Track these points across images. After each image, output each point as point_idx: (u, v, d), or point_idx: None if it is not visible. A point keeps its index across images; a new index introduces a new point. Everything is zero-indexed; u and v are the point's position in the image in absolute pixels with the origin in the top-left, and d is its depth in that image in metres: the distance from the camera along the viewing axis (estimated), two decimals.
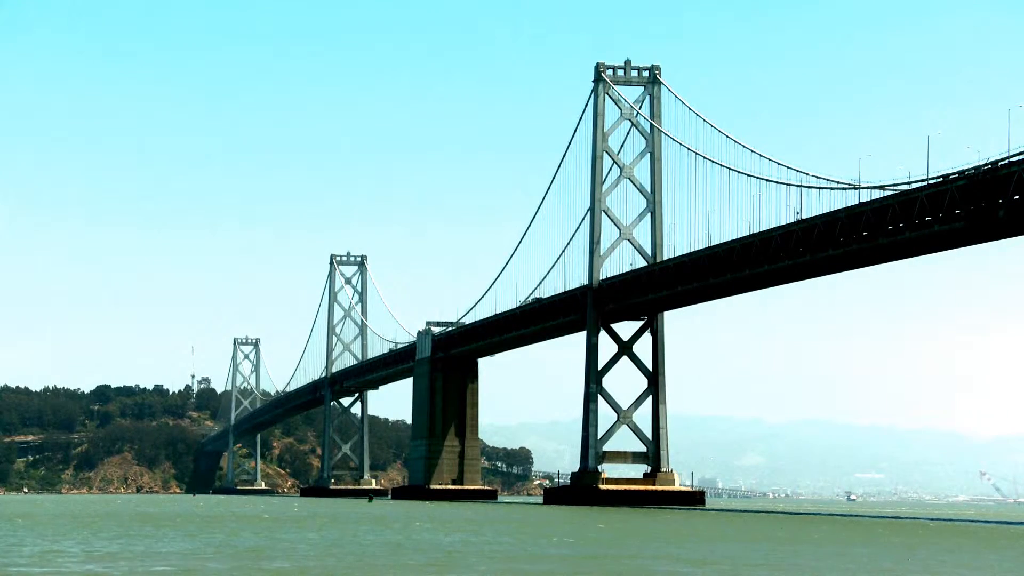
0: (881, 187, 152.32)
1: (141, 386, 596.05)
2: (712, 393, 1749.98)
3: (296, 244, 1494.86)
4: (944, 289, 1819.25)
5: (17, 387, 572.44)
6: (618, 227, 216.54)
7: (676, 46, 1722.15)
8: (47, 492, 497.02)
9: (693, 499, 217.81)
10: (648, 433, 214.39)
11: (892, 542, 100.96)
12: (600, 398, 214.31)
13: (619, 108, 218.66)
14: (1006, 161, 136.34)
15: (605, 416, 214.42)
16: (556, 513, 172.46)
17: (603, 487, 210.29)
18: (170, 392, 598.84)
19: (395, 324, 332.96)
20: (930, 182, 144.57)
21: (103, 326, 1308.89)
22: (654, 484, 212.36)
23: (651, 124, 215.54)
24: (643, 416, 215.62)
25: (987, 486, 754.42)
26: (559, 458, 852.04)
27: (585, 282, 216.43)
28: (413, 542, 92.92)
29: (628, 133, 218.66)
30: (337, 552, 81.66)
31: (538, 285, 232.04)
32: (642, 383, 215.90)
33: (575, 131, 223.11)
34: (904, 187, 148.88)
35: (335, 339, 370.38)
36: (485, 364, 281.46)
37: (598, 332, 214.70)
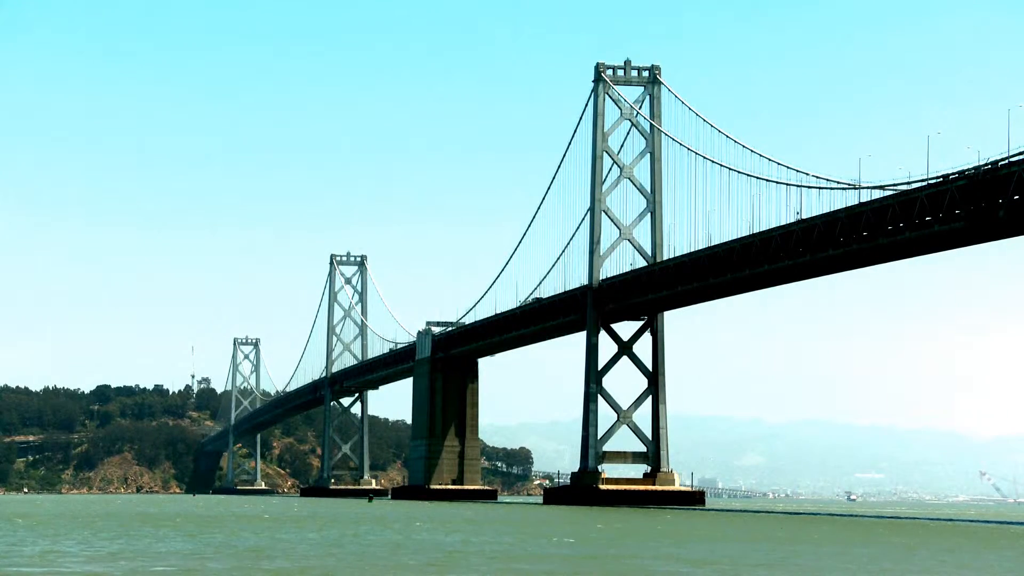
0: (881, 187, 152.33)
1: (141, 386, 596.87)
2: (712, 393, 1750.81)
3: (296, 244, 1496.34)
4: (944, 289, 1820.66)
5: (17, 387, 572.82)
6: (618, 227, 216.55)
7: (676, 46, 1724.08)
8: (47, 492, 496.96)
9: (693, 499, 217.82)
10: (648, 433, 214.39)
11: (892, 542, 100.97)
12: (600, 398, 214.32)
13: (619, 108, 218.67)
14: (1006, 161, 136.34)
15: (605, 416, 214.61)
16: (556, 513, 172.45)
17: (603, 487, 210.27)
18: (170, 392, 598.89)
19: (395, 324, 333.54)
20: (930, 182, 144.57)
21: (103, 326, 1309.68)
22: (654, 484, 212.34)
23: (651, 124, 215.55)
24: (643, 416, 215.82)
25: (987, 486, 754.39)
26: (559, 458, 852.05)
27: (585, 282, 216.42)
28: (413, 542, 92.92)
29: (628, 133, 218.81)
30: (337, 552, 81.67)
31: (538, 285, 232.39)
32: (642, 383, 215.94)
33: (575, 131, 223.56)
34: (904, 187, 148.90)
35: (335, 339, 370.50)
36: (485, 364, 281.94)
37: (598, 332, 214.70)
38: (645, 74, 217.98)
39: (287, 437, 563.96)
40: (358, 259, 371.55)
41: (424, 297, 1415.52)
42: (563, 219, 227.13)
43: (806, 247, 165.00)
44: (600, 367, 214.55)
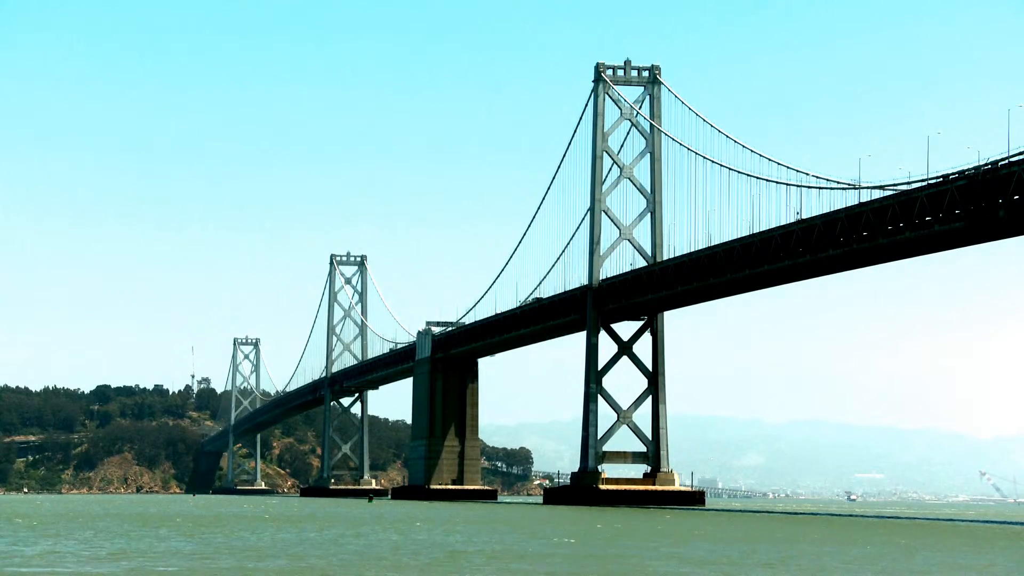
0: (881, 187, 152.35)
1: (141, 386, 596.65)
2: (712, 393, 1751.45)
3: (296, 244, 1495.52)
4: (944, 289, 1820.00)
5: (17, 387, 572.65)
6: (618, 227, 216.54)
7: (676, 46, 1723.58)
8: (47, 492, 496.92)
9: (693, 499, 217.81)
10: (648, 433, 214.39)
11: (892, 542, 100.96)
12: (600, 398, 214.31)
13: (619, 108, 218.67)
14: (1006, 161, 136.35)
15: (605, 416, 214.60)
16: (556, 513, 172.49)
17: (603, 487, 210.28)
18: (170, 392, 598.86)
19: (395, 324, 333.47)
20: (930, 182, 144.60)
21: (103, 326, 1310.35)
22: (654, 484, 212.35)
23: (651, 124, 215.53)
24: (643, 416, 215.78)
25: (987, 486, 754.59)
26: (559, 458, 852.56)
27: (585, 282, 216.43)
28: (413, 542, 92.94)
29: (628, 133, 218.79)
30: (337, 552, 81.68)
31: (538, 285, 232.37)
32: (642, 383, 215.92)
33: (575, 131, 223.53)
34: (904, 187, 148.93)
35: (335, 339, 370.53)
36: (485, 364, 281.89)
37: (598, 332, 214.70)
38: (645, 74, 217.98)
39: (287, 437, 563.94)
40: (358, 259, 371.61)
41: (424, 297, 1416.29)
42: (563, 219, 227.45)
43: (806, 247, 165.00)
44: (600, 367, 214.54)
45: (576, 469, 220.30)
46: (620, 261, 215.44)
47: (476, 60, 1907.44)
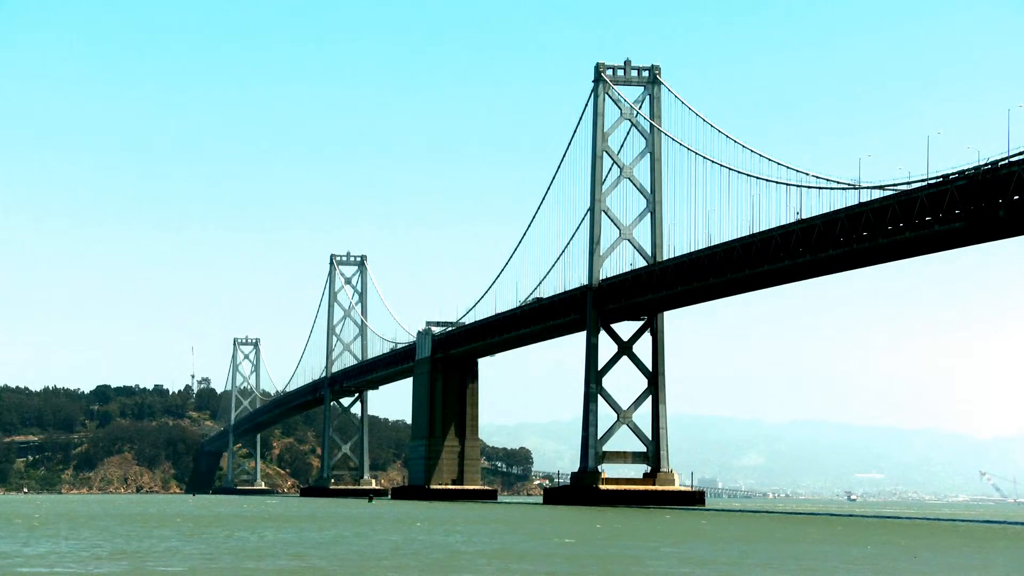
0: (881, 187, 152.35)
1: (141, 386, 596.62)
2: (712, 393, 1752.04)
3: (296, 244, 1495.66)
4: (944, 289, 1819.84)
5: (17, 387, 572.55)
6: (618, 227, 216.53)
7: (676, 46, 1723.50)
8: (47, 492, 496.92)
9: (693, 499, 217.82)
10: (648, 433, 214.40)
11: (892, 542, 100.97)
12: (600, 398, 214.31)
13: (619, 108, 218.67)
14: (1006, 161, 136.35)
15: (605, 416, 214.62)
16: (556, 513, 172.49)
17: (603, 487, 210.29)
18: (170, 392, 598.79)
19: (395, 324, 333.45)
20: (930, 182, 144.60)
21: (103, 326, 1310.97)
22: (654, 484, 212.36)
23: (651, 124, 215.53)
24: (643, 416, 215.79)
25: (987, 486, 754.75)
26: (559, 458, 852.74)
27: (585, 282, 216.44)
28: (413, 542, 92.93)
29: (628, 133, 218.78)
30: (337, 552, 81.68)
31: (538, 285, 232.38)
32: (642, 383, 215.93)
33: (575, 131, 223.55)
34: (904, 187, 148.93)
35: (335, 339, 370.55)
36: (485, 364, 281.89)
37: (598, 332, 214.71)
38: (645, 74, 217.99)
39: (287, 437, 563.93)
40: (358, 259, 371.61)
41: (424, 297, 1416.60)
42: (563, 219, 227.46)
43: (806, 247, 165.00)
44: (600, 367, 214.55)
45: (576, 469, 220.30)
46: (620, 261, 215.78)
47: (476, 60, 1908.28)
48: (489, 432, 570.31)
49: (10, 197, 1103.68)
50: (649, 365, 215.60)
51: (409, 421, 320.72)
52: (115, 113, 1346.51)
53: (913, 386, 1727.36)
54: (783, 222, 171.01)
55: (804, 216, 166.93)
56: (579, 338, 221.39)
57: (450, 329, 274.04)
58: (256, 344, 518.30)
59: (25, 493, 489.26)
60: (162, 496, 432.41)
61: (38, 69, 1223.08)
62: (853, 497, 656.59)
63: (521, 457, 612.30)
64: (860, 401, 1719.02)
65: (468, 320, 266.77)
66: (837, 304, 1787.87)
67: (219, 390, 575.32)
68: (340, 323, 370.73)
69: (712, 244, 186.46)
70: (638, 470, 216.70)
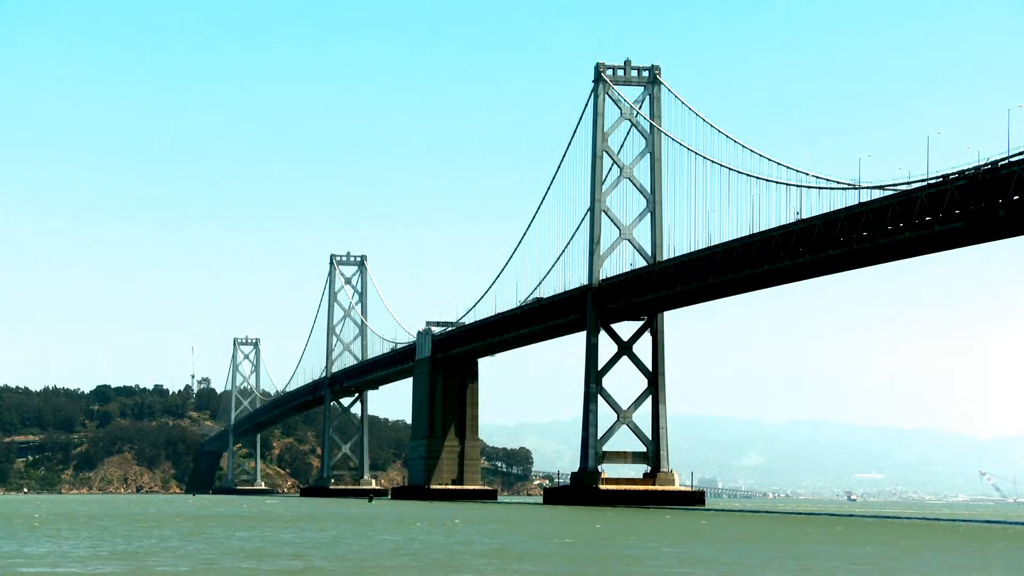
0: (881, 187, 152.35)
1: (141, 386, 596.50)
2: (712, 393, 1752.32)
3: (296, 244, 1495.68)
4: (944, 289, 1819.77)
5: (17, 387, 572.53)
6: (618, 227, 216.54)
7: (676, 46, 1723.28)
8: (47, 492, 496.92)
9: (693, 499, 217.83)
10: (648, 433, 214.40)
11: (892, 542, 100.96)
12: (600, 398, 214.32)
13: (619, 108, 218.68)
14: (1006, 161, 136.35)
15: (605, 416, 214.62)
16: (556, 513, 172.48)
17: (603, 487, 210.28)
18: (170, 392, 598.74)
19: (395, 324, 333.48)
20: (930, 182, 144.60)
21: (103, 326, 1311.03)
22: (654, 484, 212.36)
23: (651, 124, 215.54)
24: (643, 416, 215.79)
25: (987, 486, 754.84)
26: (559, 458, 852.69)
27: (585, 282, 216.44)
28: (413, 542, 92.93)
29: (628, 133, 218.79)
30: (337, 552, 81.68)
31: (538, 285, 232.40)
32: (642, 383, 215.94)
33: (575, 131, 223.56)
34: (904, 187, 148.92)
35: (335, 339, 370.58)
36: (485, 364, 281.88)
37: (598, 332, 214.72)
38: (645, 74, 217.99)
39: (287, 437, 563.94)
40: (358, 259, 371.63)
41: (424, 297, 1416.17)
42: (563, 219, 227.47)
43: (806, 247, 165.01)
44: (600, 367, 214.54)
45: (576, 469, 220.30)
46: (620, 261, 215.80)
47: (476, 60, 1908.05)
48: (489, 432, 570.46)
49: (10, 197, 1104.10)
50: (649, 365, 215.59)
51: (409, 421, 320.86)
52: (115, 113, 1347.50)
53: (913, 386, 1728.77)
54: (783, 222, 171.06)
55: (804, 216, 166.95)
56: (579, 338, 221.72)
57: (450, 329, 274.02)
58: (256, 344, 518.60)
59: (25, 493, 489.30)
60: (162, 496, 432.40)
61: (38, 69, 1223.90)
62: (853, 497, 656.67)
63: (521, 457, 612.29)
64: (860, 401, 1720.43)
65: (468, 320, 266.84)
66: (837, 304, 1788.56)
67: (219, 390, 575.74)
68: (340, 323, 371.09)
69: (712, 244, 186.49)
70: (638, 470, 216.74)
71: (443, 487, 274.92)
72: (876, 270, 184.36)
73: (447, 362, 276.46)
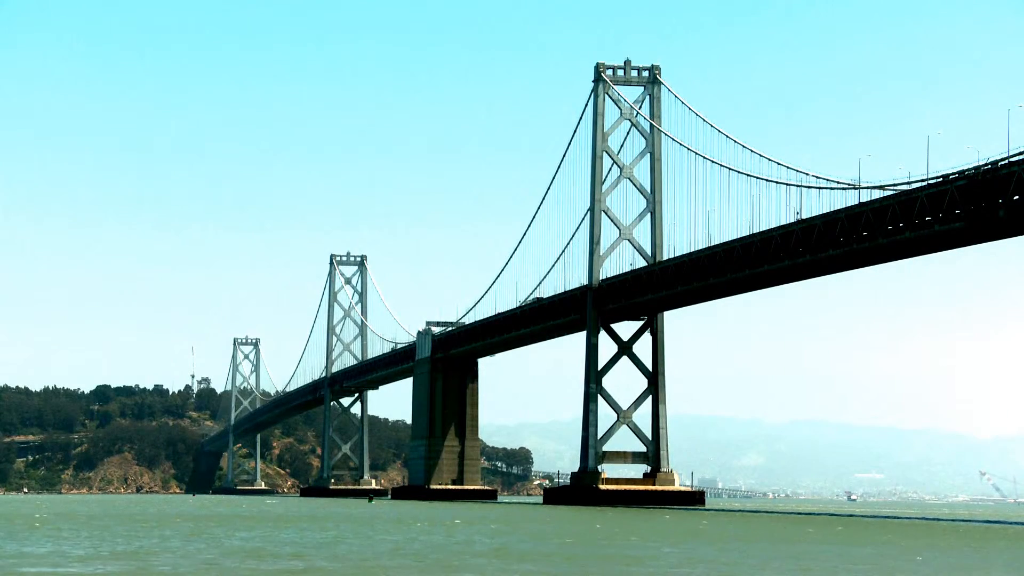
0: (881, 187, 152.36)
1: (141, 386, 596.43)
2: (712, 393, 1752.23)
3: (296, 244, 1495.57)
4: (944, 289, 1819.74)
5: (17, 387, 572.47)
6: (618, 227, 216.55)
7: (676, 46, 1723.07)
8: (47, 492, 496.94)
9: (693, 499, 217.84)
10: (648, 433, 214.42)
11: (892, 542, 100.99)
12: (600, 398, 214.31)
13: (619, 108, 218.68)
14: (1006, 161, 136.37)
15: (605, 416, 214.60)
16: (556, 513, 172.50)
17: (603, 487, 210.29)
18: (170, 392, 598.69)
19: (395, 324, 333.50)
20: (930, 182, 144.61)
21: (103, 326, 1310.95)
22: (654, 484, 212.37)
23: (651, 124, 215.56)
24: (643, 416, 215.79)
25: (987, 486, 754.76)
26: (559, 458, 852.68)
27: (585, 282, 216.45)
28: (413, 542, 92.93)
29: (628, 133, 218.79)
30: (337, 552, 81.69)
31: (538, 285, 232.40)
32: (642, 383, 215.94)
33: (575, 131, 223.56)
34: (904, 187, 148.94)
35: (335, 339, 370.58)
36: (485, 364, 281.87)
37: (598, 332, 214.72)
38: (645, 74, 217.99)
39: (287, 437, 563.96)
40: (358, 259, 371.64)
41: (424, 297, 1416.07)
42: (563, 219, 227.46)
43: (806, 247, 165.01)
44: (600, 367, 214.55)
45: (576, 469, 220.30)
46: (620, 261, 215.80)
47: (476, 60, 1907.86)
48: (489, 432, 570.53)
49: (10, 197, 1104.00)
50: (649, 365, 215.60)
51: (409, 421, 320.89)
52: (115, 113, 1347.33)
53: (913, 386, 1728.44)
54: (783, 222, 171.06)
55: (804, 216, 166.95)
56: (579, 338, 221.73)
57: (450, 329, 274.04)
58: (256, 344, 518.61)
59: (25, 493, 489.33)
60: (162, 496, 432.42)
61: (38, 69, 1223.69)
62: (853, 497, 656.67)
63: (521, 457, 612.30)
64: (860, 401, 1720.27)
65: (468, 320, 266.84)
66: (837, 304, 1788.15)
67: (219, 390, 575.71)
68: (340, 323, 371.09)
69: (712, 244, 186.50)
70: (638, 470, 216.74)
71: (443, 487, 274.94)
72: (876, 270, 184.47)
73: (447, 362, 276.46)
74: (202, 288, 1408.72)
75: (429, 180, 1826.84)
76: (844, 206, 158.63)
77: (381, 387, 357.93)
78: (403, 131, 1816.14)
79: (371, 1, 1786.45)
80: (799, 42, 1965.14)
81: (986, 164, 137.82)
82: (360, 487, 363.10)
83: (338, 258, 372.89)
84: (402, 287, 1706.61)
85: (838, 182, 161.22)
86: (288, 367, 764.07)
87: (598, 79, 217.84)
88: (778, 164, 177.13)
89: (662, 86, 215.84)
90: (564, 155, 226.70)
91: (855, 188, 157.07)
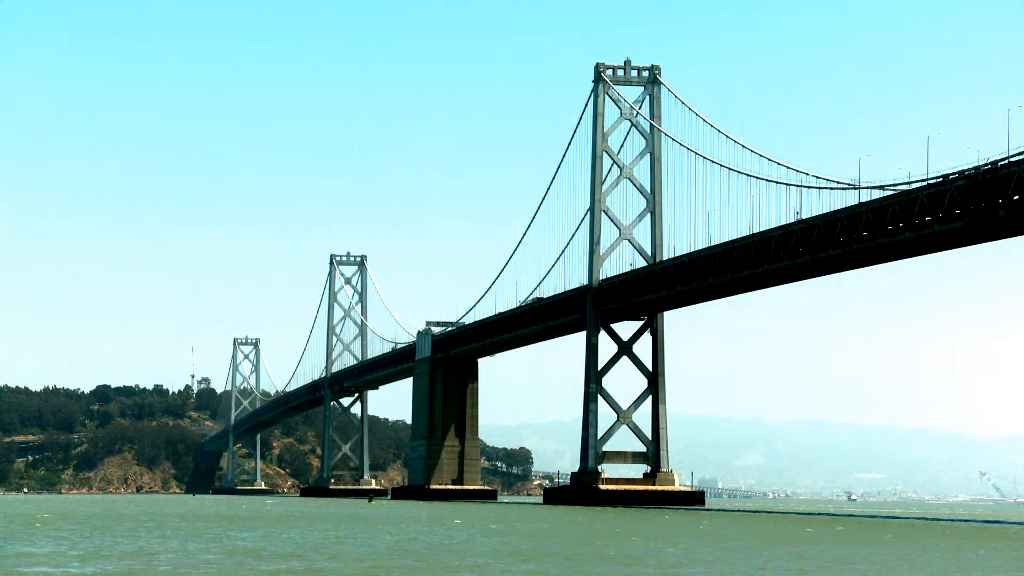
0: (881, 187, 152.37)
1: (141, 386, 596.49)
2: (712, 393, 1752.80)
3: (296, 244, 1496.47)
4: (944, 289, 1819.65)
5: (17, 387, 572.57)
6: (618, 227, 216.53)
7: (676, 46, 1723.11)
8: (47, 492, 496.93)
9: (693, 499, 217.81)
10: (648, 433, 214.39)
11: (892, 542, 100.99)
12: (600, 398, 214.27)
13: (619, 108, 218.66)
14: (1006, 161, 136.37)
15: (605, 416, 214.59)
16: (556, 513, 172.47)
17: (603, 487, 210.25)
18: (170, 392, 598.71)
19: (395, 324, 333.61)
20: (930, 182, 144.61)
21: (103, 326, 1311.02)
22: (654, 484, 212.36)
23: (651, 124, 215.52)
24: (643, 416, 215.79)
25: (987, 486, 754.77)
26: (559, 458, 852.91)
27: (585, 282, 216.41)
28: (413, 542, 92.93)
29: (628, 133, 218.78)
30: (337, 552, 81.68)
31: (538, 285, 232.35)
32: (642, 383, 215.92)
33: (575, 131, 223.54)
34: (904, 187, 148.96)
35: (335, 339, 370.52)
36: (485, 364, 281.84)
37: (598, 332, 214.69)
38: (645, 74, 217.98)
39: (287, 437, 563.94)
40: (358, 259, 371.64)
41: (424, 297, 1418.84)
42: (563, 219, 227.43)
43: (806, 247, 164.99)
44: (600, 367, 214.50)
45: (576, 469, 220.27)
46: (620, 261, 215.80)
47: (476, 60, 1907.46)
48: (489, 432, 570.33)
49: (10, 197, 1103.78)
50: (649, 365, 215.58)
51: (409, 421, 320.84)
52: (114, 113, 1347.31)
53: (913, 386, 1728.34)
54: (783, 222, 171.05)
55: (804, 216, 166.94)
56: (579, 338, 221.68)
57: (450, 329, 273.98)
58: (256, 344, 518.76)
59: (25, 493, 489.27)
60: (162, 496, 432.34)
61: (38, 69, 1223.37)
62: (853, 497, 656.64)
63: (521, 457, 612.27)
64: (860, 401, 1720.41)
65: (468, 320, 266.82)
66: (837, 304, 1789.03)
67: (219, 390, 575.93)
68: (340, 323, 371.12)
69: (712, 244, 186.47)
70: (638, 470, 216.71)
71: (443, 487, 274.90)
72: (877, 270, 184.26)
73: (447, 362, 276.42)
74: (202, 288, 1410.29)
75: (429, 180, 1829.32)
76: (844, 206, 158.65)
77: (381, 387, 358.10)
78: (403, 131, 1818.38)
79: (371, 1, 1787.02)
80: (799, 42, 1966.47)
81: (986, 164, 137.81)
82: (360, 487, 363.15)
83: (338, 258, 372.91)
84: (402, 287, 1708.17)
85: (838, 182, 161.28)
86: (288, 367, 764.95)
87: (598, 79, 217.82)
88: (778, 164, 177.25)
89: (662, 86, 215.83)
90: (564, 155, 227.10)
91: (855, 188, 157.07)
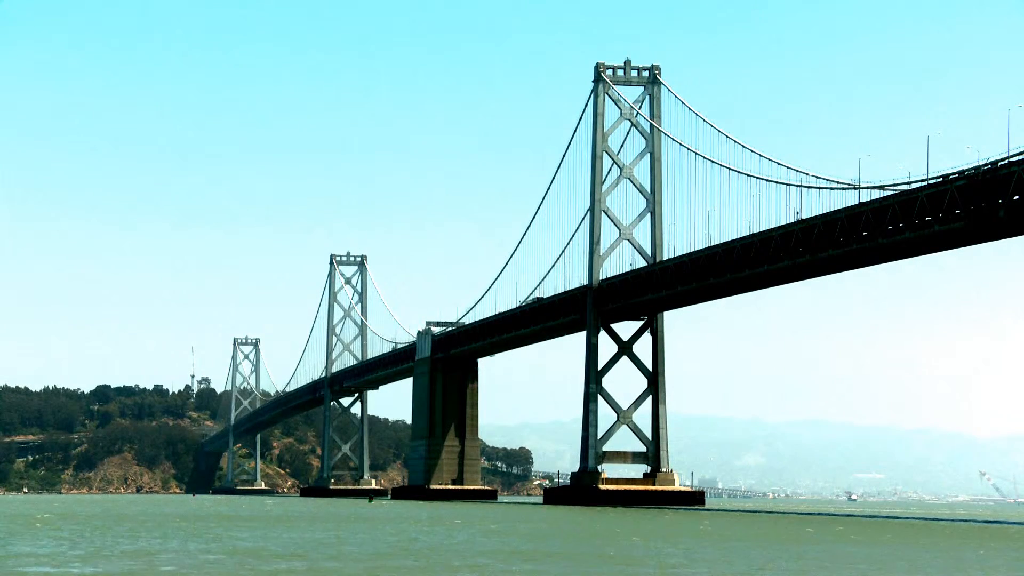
0: (881, 187, 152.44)
1: (141, 386, 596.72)
2: (712, 393, 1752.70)
3: (296, 244, 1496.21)
4: (944, 289, 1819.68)
5: (17, 387, 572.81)
6: (618, 227, 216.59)
7: (676, 46, 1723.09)
8: (47, 492, 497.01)
9: (693, 499, 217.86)
10: (648, 433, 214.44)
11: (891, 542, 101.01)
12: (600, 398, 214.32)
13: (619, 108, 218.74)
14: (1006, 161, 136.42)
15: (605, 416, 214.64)
16: (556, 513, 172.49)
17: (603, 487, 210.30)
18: (170, 392, 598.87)
19: (395, 324, 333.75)
20: (930, 182, 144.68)
21: (103, 326, 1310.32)
22: (654, 484, 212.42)
23: (651, 124, 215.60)
24: (643, 416, 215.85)
25: (987, 486, 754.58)
26: (559, 458, 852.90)
27: (585, 282, 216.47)
28: (413, 542, 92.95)
29: (628, 133, 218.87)
30: (338, 552, 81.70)
31: (538, 285, 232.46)
32: (642, 383, 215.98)
33: (575, 131, 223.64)
34: (904, 187, 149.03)
35: (335, 339, 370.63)
36: (485, 364, 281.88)
37: (598, 332, 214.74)
38: (645, 74, 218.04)
39: (287, 437, 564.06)
40: (358, 259, 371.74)
41: (424, 297, 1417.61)
42: (563, 219, 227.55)
43: (806, 247, 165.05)
44: (600, 367, 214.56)
45: (576, 469, 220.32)
46: (620, 261, 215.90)
47: (476, 60, 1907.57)
48: (489, 432, 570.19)
49: (10, 197, 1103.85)
50: (649, 365, 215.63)
51: (409, 421, 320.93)
52: (114, 113, 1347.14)
53: (913, 386, 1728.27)
54: (783, 222, 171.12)
55: (804, 216, 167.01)
56: (579, 338, 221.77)
57: (450, 329, 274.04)
58: (256, 344, 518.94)
59: (25, 493, 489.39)
60: (162, 496, 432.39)
61: (38, 69, 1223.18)
62: (853, 497, 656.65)
63: (521, 457, 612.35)
64: (860, 401, 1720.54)
65: (468, 320, 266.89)
66: (837, 304, 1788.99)
67: (219, 390, 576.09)
68: (340, 323, 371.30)
69: (712, 244, 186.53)
70: (638, 470, 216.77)
71: (443, 487, 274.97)
72: (876, 270, 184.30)
73: (447, 362, 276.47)
74: (202, 288, 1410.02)
75: (429, 180, 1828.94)
76: (844, 206, 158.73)
77: (381, 387, 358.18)
78: (403, 131, 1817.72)
79: (371, 1, 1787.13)
80: (799, 42, 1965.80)
81: (986, 164, 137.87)
82: (360, 487, 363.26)
83: (338, 258, 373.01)
84: (402, 287, 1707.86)
85: (838, 182, 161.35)
86: (288, 367, 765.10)
87: (598, 79, 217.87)
88: (778, 164, 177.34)
89: (662, 86, 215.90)
90: (564, 155, 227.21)
91: (855, 188, 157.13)
